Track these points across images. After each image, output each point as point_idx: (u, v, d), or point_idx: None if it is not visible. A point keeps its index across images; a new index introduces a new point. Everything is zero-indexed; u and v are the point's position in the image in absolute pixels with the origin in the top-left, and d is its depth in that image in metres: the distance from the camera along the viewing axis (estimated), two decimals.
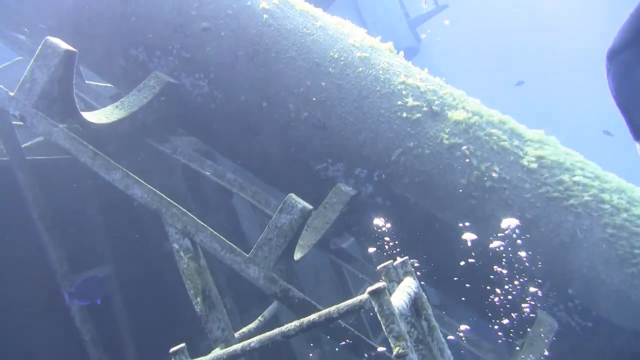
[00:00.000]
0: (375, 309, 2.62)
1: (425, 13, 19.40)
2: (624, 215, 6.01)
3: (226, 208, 8.53)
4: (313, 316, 3.41)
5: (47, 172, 6.23)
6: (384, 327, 2.62)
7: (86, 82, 7.77)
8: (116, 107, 5.97)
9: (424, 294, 3.49)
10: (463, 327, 6.73)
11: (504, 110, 6.67)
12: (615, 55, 3.54)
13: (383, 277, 3.51)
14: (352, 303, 3.12)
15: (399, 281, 3.41)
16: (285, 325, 3.46)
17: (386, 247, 6.64)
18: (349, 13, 14.51)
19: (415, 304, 3.41)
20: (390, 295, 3.25)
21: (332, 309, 3.41)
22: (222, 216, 8.46)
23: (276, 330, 3.47)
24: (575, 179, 6.12)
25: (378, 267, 3.61)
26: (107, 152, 6.17)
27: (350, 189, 6.37)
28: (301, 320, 3.43)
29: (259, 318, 5.47)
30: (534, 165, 6.18)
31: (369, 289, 2.63)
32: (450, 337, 6.71)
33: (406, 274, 3.46)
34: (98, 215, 6.98)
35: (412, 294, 3.16)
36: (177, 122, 7.07)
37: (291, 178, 6.88)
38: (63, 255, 5.95)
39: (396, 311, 2.63)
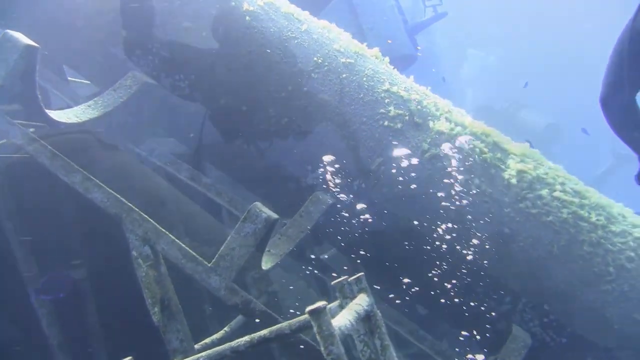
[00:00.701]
0: (315, 330, 2.49)
1: (423, 21, 19.25)
2: (601, 232, 5.93)
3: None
4: (264, 332, 3.30)
5: (17, 171, 6.08)
6: (322, 349, 2.49)
7: (69, 78, 7.65)
8: (89, 106, 5.83)
9: (378, 311, 3.36)
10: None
11: None
12: (606, 103, 4.66)
13: (337, 294, 3.38)
14: (304, 319, 3.00)
15: (353, 298, 3.29)
16: (236, 341, 3.34)
17: (363, 258, 6.52)
18: (345, 18, 14.33)
19: (369, 321, 3.28)
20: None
21: (284, 324, 3.29)
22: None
23: (226, 346, 3.36)
24: (555, 194, 6.02)
25: (332, 283, 3.49)
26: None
27: (328, 197, 6.24)
28: (252, 335, 3.31)
29: (225, 328, 5.33)
30: (515, 180, 6.06)
31: (309, 308, 2.51)
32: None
33: (360, 290, 3.33)
34: (73, 216, 6.83)
35: (362, 312, 3.04)
36: (156, 123, 6.95)
37: (270, 185, 6.77)
38: (31, 258, 5.80)
39: (336, 332, 2.51)
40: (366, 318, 3.23)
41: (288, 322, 3.29)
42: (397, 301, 6.75)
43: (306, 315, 2.90)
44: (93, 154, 5.95)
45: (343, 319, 2.74)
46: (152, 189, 6.13)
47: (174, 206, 6.26)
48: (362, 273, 3.47)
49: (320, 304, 2.50)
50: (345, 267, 7.30)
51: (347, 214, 6.32)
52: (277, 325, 3.27)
